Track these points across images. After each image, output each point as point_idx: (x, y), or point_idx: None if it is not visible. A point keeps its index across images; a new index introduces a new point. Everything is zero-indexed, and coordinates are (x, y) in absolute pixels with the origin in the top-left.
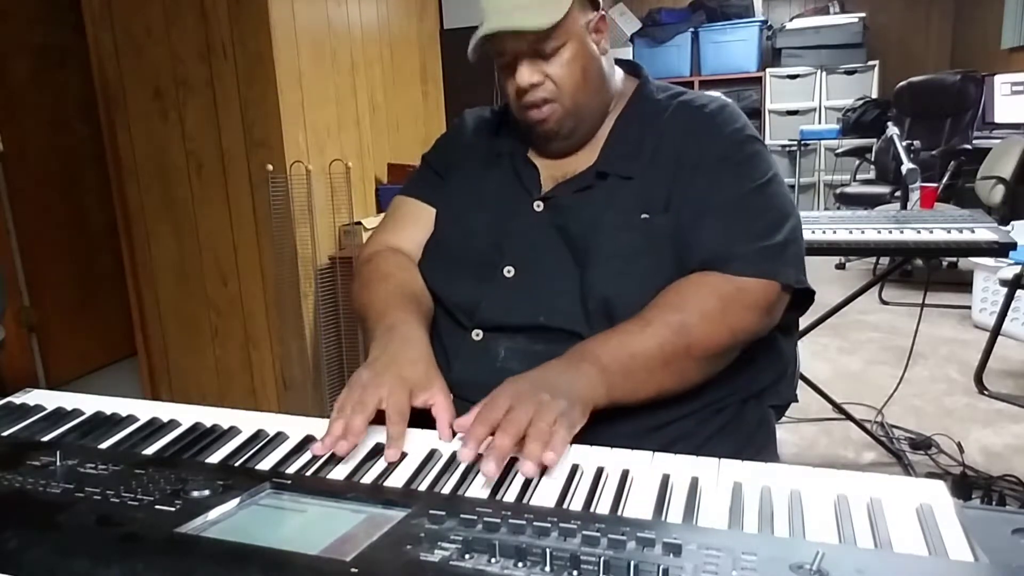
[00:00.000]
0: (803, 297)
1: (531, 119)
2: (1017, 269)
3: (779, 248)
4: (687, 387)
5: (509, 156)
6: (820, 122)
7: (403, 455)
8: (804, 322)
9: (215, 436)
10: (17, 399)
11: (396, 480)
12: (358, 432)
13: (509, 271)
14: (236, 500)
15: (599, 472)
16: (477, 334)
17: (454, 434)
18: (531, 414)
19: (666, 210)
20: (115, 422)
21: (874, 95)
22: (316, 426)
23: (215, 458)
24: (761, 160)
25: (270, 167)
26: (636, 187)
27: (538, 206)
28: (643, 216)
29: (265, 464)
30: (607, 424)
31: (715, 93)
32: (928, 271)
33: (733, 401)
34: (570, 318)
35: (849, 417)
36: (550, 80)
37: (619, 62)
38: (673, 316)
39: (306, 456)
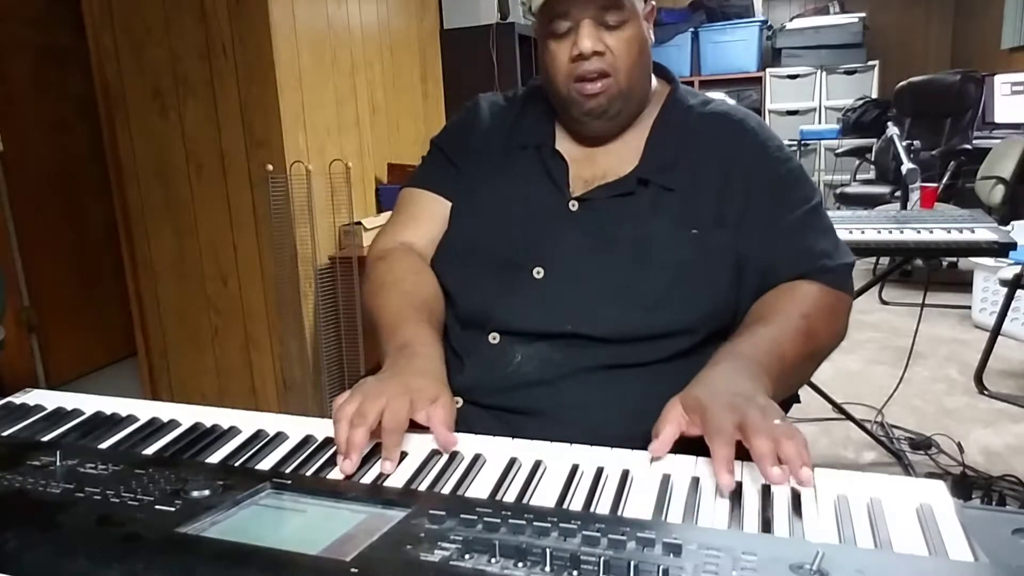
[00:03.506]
0: None
1: (583, 92)
2: (1017, 269)
3: (851, 267)
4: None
5: (536, 148)
6: (820, 122)
7: (403, 454)
8: None
9: (215, 436)
10: (17, 399)
11: (396, 480)
12: (359, 446)
13: (538, 272)
14: (236, 500)
15: (599, 472)
16: (494, 337)
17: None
18: (764, 417)
19: (721, 226)
20: (115, 422)
21: (874, 95)
22: (316, 426)
23: (215, 458)
24: (807, 177)
25: (270, 167)
26: (680, 200)
27: (573, 206)
28: (693, 231)
29: (265, 464)
30: (607, 424)
31: (718, 95)
32: (928, 271)
33: None
34: (604, 324)
35: (849, 417)
36: (610, 52)
37: None
38: (800, 322)
39: (306, 456)
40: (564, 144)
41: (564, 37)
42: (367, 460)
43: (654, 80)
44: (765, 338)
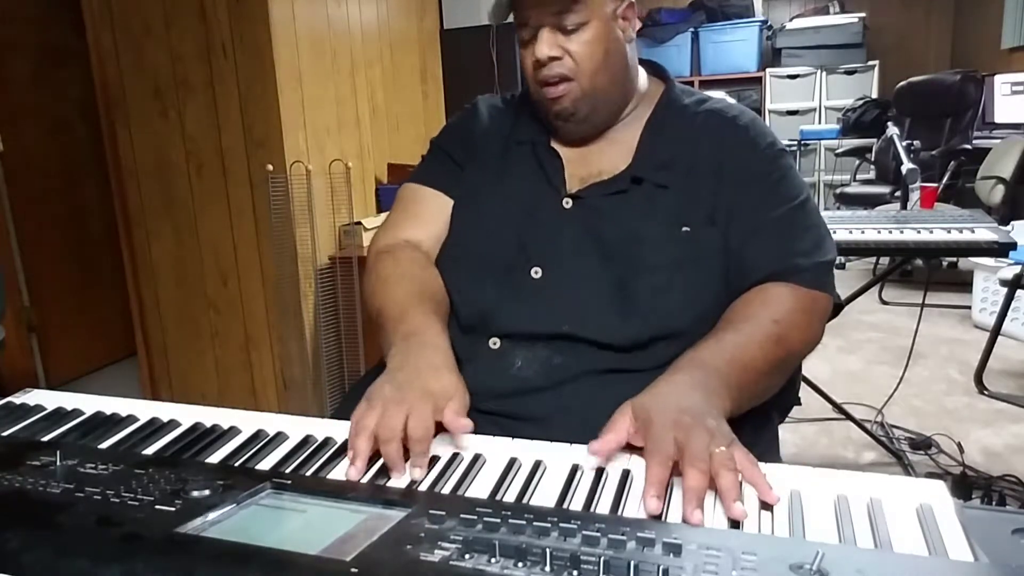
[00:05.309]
0: None
1: (546, 96)
2: (1017, 269)
3: (831, 264)
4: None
5: (531, 144)
6: (820, 122)
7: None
8: None
9: (215, 436)
10: (17, 399)
11: (396, 480)
12: (399, 462)
13: (536, 272)
14: (236, 500)
15: (599, 472)
16: (495, 343)
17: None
18: (708, 444)
19: (712, 224)
20: (115, 422)
21: (874, 95)
22: (316, 426)
23: (215, 458)
24: (796, 175)
25: (270, 167)
26: (673, 198)
27: (567, 203)
28: (684, 229)
29: (265, 464)
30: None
31: (718, 95)
32: (928, 271)
33: None
34: (601, 328)
35: (849, 417)
36: (569, 57)
37: (642, 62)
38: (771, 327)
39: (306, 456)
40: (558, 140)
41: (530, 43)
42: (371, 463)
43: (646, 79)
44: (730, 345)
